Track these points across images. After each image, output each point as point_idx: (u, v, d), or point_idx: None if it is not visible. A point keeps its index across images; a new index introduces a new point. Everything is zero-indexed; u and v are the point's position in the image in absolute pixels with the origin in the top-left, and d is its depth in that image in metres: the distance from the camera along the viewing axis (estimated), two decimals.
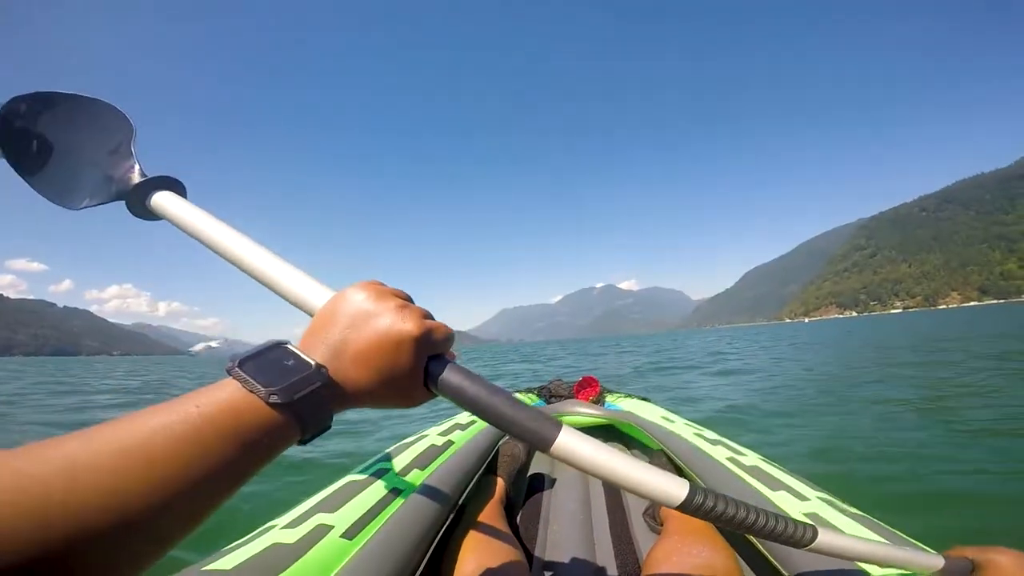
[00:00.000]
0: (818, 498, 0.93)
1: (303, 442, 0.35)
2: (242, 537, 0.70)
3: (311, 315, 0.43)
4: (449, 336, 0.43)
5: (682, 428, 1.51)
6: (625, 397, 2.21)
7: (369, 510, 0.81)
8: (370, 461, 1.10)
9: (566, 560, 1.01)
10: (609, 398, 2.19)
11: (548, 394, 2.23)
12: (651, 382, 8.15)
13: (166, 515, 0.26)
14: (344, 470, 1.00)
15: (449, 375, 0.41)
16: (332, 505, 0.82)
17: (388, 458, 1.09)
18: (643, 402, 2.08)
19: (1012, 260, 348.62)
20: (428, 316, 0.42)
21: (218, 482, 0.29)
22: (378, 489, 0.90)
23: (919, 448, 3.01)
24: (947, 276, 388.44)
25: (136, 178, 0.56)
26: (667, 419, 1.67)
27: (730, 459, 1.18)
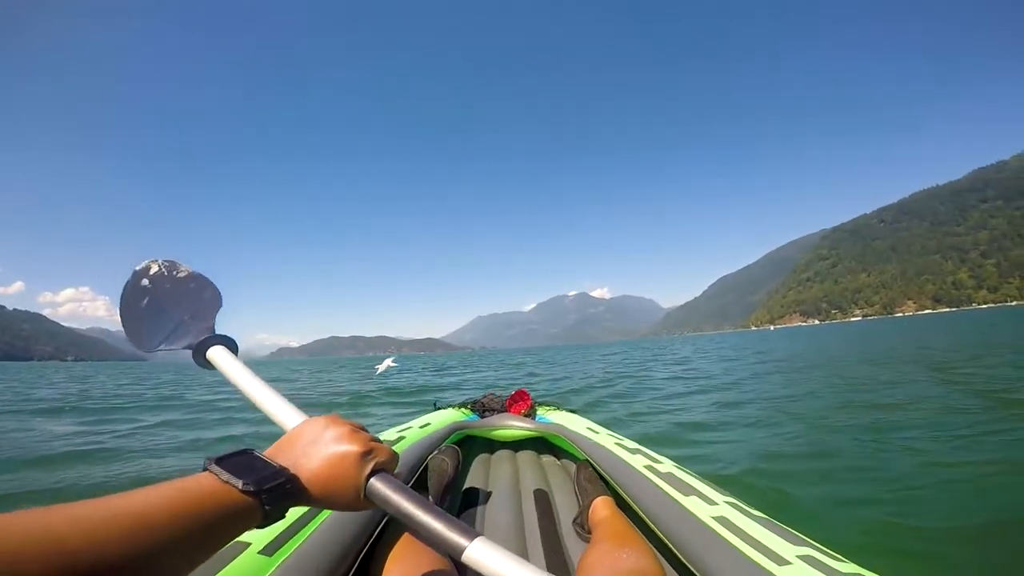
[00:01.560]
0: (725, 502, 0.98)
1: (262, 525, 0.44)
2: None
3: (284, 431, 0.56)
4: (392, 456, 0.54)
5: (605, 439, 1.59)
6: (555, 410, 2.26)
7: (289, 526, 0.79)
8: None
9: None
10: (540, 411, 2.24)
11: (482, 408, 2.26)
12: (607, 392, 8.04)
13: (163, 568, 0.35)
14: None
15: (384, 489, 0.49)
16: None
17: None
18: (571, 414, 2.15)
19: (963, 270, 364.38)
20: (375, 440, 0.53)
21: (200, 548, 0.39)
22: (297, 508, 0.90)
23: (834, 455, 3.13)
24: (903, 285, 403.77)
25: (205, 335, 0.70)
26: (592, 430, 1.74)
27: (647, 467, 1.25)
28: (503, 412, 2.18)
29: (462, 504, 1.40)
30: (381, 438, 1.72)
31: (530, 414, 2.16)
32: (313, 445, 0.50)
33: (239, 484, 0.41)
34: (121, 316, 0.73)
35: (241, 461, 0.45)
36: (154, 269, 0.75)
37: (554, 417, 2.09)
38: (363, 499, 0.50)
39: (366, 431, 0.54)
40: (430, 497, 1.22)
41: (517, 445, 2.05)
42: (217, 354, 0.69)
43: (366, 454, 0.50)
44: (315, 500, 0.48)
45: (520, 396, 2.25)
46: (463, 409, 2.26)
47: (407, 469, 1.27)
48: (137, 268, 0.75)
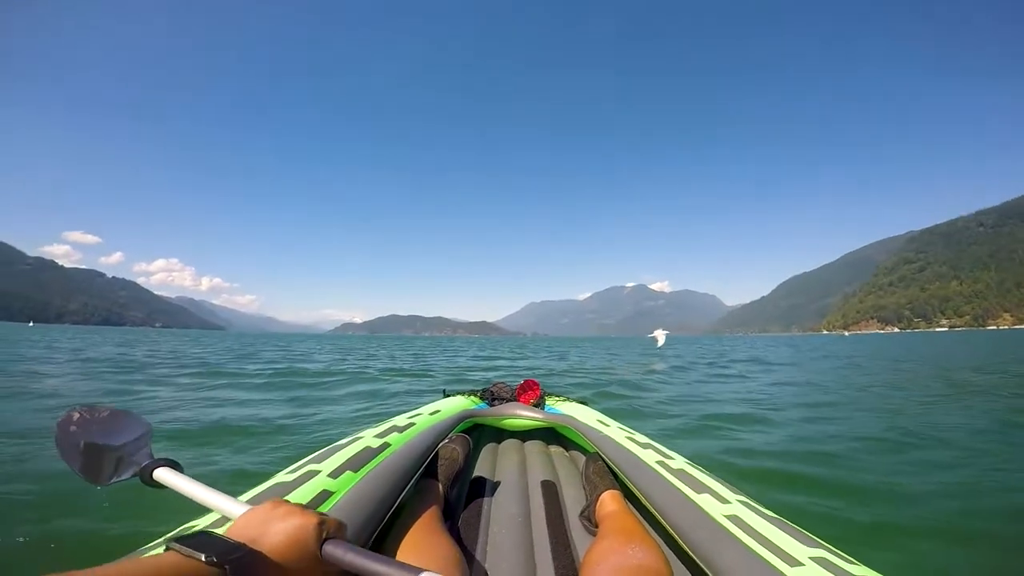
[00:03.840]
0: (738, 501, 0.98)
1: None
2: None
3: (231, 519, 0.63)
4: (340, 525, 0.62)
5: (615, 432, 1.56)
6: (564, 400, 2.24)
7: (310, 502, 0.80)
8: (299, 463, 1.07)
9: (505, 562, 1.02)
10: (549, 401, 2.22)
11: (491, 397, 2.25)
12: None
13: None
14: (268, 473, 0.93)
15: (337, 551, 0.58)
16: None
17: (319, 460, 1.08)
18: (581, 405, 2.12)
19: None
20: (323, 514, 0.61)
21: None
22: (305, 493, 0.88)
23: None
24: (1000, 296, 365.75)
25: (146, 460, 0.79)
26: (602, 423, 1.71)
27: (659, 462, 1.24)
28: (512, 401, 2.16)
29: (470, 493, 1.39)
30: (391, 423, 1.51)
31: (539, 404, 2.13)
32: (271, 523, 0.57)
33: (202, 557, 0.47)
34: (65, 460, 0.79)
35: (201, 540, 0.50)
36: (76, 416, 0.83)
37: (564, 408, 2.06)
38: (321, 562, 0.57)
39: (311, 508, 0.62)
40: (440, 485, 1.25)
41: (525, 435, 2.03)
42: (163, 474, 0.76)
43: (320, 524, 0.58)
44: (278, 568, 0.54)
45: (530, 385, 2.23)
46: (472, 397, 2.24)
47: (417, 456, 1.27)
48: (59, 420, 0.82)
